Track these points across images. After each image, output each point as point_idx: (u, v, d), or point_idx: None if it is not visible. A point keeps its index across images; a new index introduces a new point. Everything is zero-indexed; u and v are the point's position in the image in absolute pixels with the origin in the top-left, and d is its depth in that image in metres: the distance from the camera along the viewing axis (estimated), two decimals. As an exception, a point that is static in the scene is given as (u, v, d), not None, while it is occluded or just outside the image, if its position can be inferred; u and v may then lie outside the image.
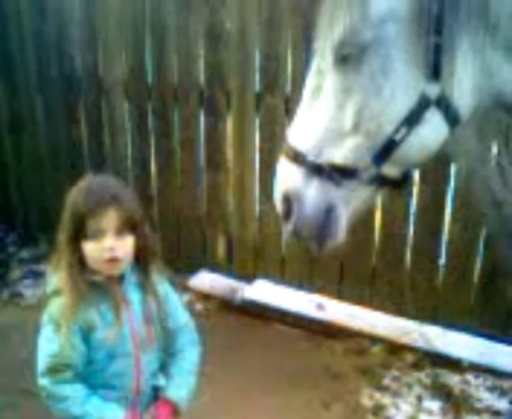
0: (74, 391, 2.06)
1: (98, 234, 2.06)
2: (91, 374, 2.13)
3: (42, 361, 2.07)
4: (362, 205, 1.94)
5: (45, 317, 2.11)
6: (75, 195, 2.13)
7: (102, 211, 2.05)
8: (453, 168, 3.97)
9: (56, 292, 2.12)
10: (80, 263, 2.10)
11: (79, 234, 2.07)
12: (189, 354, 2.36)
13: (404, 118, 1.74)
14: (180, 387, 2.31)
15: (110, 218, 2.07)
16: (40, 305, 2.21)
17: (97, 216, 2.05)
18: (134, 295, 2.23)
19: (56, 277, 2.16)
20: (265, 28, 4.36)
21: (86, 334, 2.09)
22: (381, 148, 1.78)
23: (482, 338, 4.15)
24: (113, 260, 2.09)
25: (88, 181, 2.19)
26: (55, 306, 2.09)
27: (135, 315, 2.21)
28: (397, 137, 1.76)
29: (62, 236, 2.12)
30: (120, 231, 2.09)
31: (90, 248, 2.07)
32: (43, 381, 2.06)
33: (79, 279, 2.09)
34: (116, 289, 2.17)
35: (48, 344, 2.07)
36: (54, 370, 2.04)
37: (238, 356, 4.17)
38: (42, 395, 2.09)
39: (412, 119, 1.74)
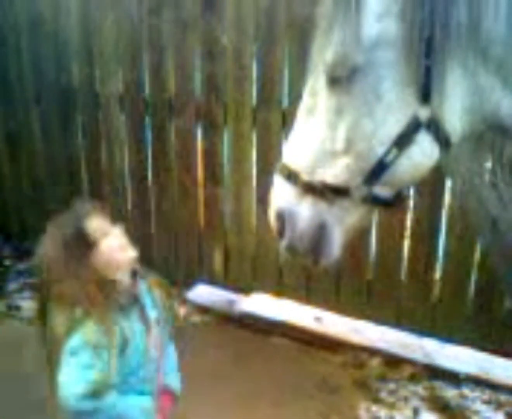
0: (113, 397, 2.15)
1: (105, 232, 2.24)
2: (122, 383, 2.20)
3: (79, 387, 2.08)
4: (356, 224, 1.94)
5: (77, 342, 2.12)
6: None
7: (93, 217, 2.25)
8: (448, 182, 3.98)
9: (85, 317, 2.15)
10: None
11: (83, 251, 2.18)
12: (172, 348, 2.55)
13: (395, 140, 1.75)
14: (175, 378, 2.53)
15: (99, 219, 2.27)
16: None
17: (93, 221, 2.23)
18: (145, 300, 2.35)
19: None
20: (262, 42, 4.38)
21: (123, 349, 2.17)
22: (372, 169, 1.79)
23: (478, 351, 4.16)
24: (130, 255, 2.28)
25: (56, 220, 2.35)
26: (90, 330, 2.12)
27: (151, 319, 2.32)
28: (388, 158, 1.77)
29: (79, 271, 2.17)
30: None
31: (106, 244, 2.21)
32: (84, 404, 2.09)
33: (109, 300, 2.17)
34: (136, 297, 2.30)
35: (87, 371, 2.09)
36: (96, 392, 2.08)
37: (235, 369, 4.18)
38: (83, 413, 2.13)
39: (403, 141, 1.75)
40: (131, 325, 2.21)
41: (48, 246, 2.22)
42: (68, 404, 2.10)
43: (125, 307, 2.22)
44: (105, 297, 2.16)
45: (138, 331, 2.23)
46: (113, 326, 2.14)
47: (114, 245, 2.22)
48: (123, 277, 2.24)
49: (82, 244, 2.16)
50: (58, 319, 2.17)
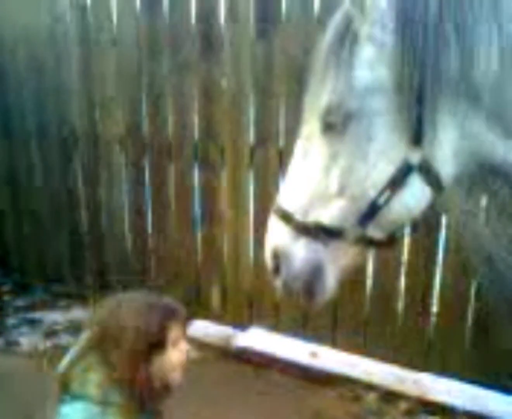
0: None
1: (177, 341, 2.14)
2: None
3: None
4: (350, 263, 1.98)
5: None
6: (135, 318, 2.09)
7: (175, 322, 2.16)
8: (443, 218, 4.02)
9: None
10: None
11: (154, 349, 2.08)
12: None
13: (387, 183, 1.79)
14: None
15: (178, 327, 2.17)
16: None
17: (174, 326, 2.13)
18: None
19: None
20: (259, 86, 4.46)
21: None
22: (366, 211, 1.84)
23: (475, 385, 4.15)
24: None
25: (141, 301, 2.21)
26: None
27: None
28: (381, 201, 1.81)
29: (133, 356, 2.05)
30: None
31: (172, 355, 2.11)
32: None
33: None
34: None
35: None
36: None
37: (233, 404, 4.17)
38: None
39: (395, 184, 1.79)
40: None
41: (125, 321, 2.07)
42: None
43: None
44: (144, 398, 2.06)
45: None
46: None
47: (176, 362, 2.13)
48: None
49: (156, 342, 2.07)
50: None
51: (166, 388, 2.14)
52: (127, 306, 2.13)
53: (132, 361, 2.03)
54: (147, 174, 5.21)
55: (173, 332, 2.12)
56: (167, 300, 2.25)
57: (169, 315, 2.14)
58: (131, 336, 2.04)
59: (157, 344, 2.07)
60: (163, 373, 2.10)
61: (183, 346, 2.16)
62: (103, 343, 2.06)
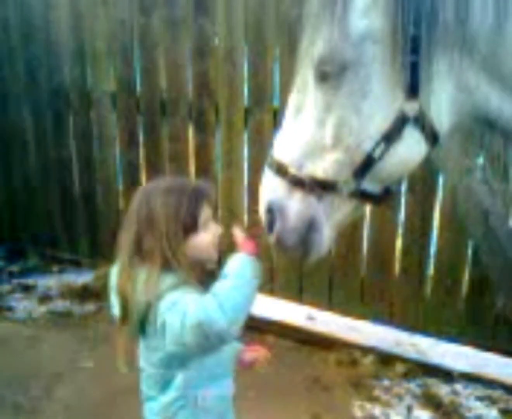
0: None
1: (207, 223, 2.13)
2: None
3: (208, 309, 1.93)
4: (345, 219, 1.95)
5: (173, 297, 1.97)
6: (173, 197, 2.10)
7: (206, 203, 2.14)
8: (440, 179, 3.99)
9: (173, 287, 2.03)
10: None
11: (188, 230, 2.08)
12: None
13: (383, 135, 1.76)
14: None
15: (208, 208, 2.16)
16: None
17: (205, 207, 2.12)
18: None
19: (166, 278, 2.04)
20: (252, 43, 4.38)
21: None
22: (360, 164, 1.80)
23: (471, 348, 4.18)
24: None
25: (176, 183, 2.22)
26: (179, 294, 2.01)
27: None
28: (376, 153, 1.77)
29: (169, 238, 2.05)
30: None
31: (204, 236, 2.11)
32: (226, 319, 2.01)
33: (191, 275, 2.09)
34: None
35: (196, 298, 1.97)
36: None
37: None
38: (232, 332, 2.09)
39: (391, 136, 1.76)
40: None
41: (162, 205, 2.07)
42: (218, 329, 1.97)
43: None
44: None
45: None
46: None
47: (208, 243, 2.14)
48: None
49: (191, 223, 2.07)
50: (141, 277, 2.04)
51: (201, 267, 2.18)
52: (157, 192, 2.13)
53: (168, 244, 2.04)
54: (140, 132, 5.15)
55: (205, 214, 2.12)
56: (198, 182, 2.28)
57: (200, 197, 2.13)
58: (164, 221, 2.06)
59: (190, 227, 2.08)
60: (197, 254, 2.12)
61: (214, 227, 2.17)
62: (138, 233, 2.08)
